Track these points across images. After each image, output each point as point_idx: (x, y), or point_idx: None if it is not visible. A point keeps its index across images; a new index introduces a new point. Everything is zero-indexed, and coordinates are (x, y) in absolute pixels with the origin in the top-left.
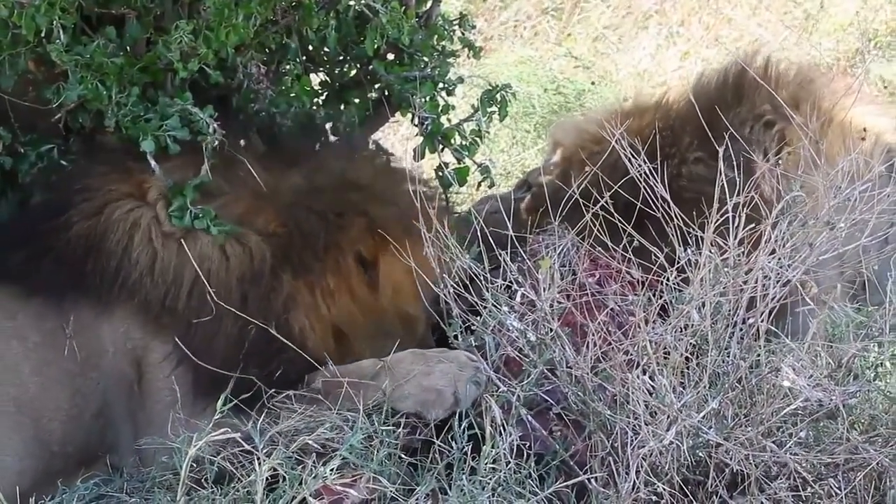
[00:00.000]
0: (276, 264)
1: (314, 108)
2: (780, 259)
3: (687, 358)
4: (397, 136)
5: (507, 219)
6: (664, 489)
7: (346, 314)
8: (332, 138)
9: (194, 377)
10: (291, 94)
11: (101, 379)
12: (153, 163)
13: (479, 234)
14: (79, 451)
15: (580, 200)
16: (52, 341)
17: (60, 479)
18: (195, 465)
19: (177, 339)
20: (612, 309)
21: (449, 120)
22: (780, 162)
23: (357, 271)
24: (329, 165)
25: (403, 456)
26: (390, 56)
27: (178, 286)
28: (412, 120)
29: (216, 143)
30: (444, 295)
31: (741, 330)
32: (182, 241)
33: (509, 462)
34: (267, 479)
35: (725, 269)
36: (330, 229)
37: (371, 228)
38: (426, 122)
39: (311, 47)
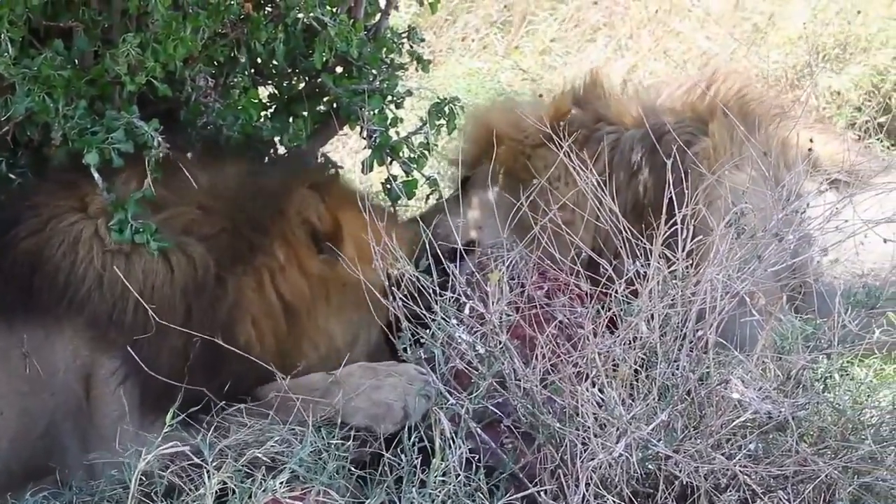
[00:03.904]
0: (222, 269)
1: (261, 120)
2: (728, 271)
3: (636, 370)
4: (346, 149)
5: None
6: (614, 501)
7: (297, 290)
8: (280, 150)
9: (142, 391)
10: (239, 107)
11: (52, 399)
12: (97, 176)
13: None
14: (23, 468)
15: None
16: (3, 360)
17: (6, 494)
18: (144, 479)
19: (124, 354)
20: (560, 321)
21: (397, 133)
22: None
23: (307, 243)
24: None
25: (353, 469)
26: (339, 69)
27: (124, 300)
28: (360, 133)
29: (160, 156)
30: (393, 307)
31: (690, 342)
32: (127, 255)
33: (459, 475)
34: (216, 492)
35: (674, 282)
36: (274, 199)
37: (319, 194)
38: (374, 135)
39: (259, 60)
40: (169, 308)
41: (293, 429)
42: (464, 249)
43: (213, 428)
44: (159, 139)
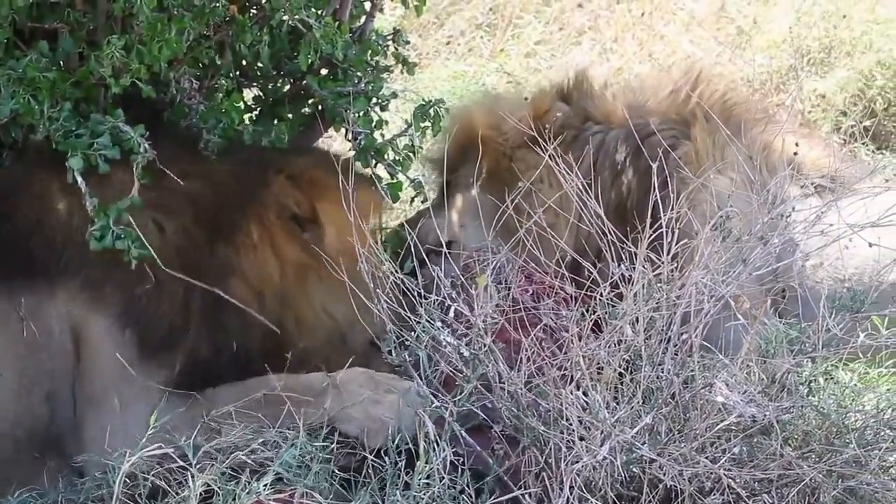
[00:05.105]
0: (210, 237)
1: (244, 124)
2: (713, 274)
3: (620, 373)
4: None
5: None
6: None
7: (264, 273)
8: None
9: (139, 345)
10: (221, 110)
11: (49, 360)
12: (80, 180)
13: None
14: (27, 436)
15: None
16: (2, 324)
17: (16, 464)
18: (129, 481)
19: (120, 310)
20: (545, 324)
21: (382, 135)
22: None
23: (285, 229)
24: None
25: (337, 472)
26: (324, 71)
27: (117, 265)
28: (345, 135)
29: (146, 161)
30: (378, 310)
31: (675, 345)
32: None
33: (443, 477)
34: (200, 494)
35: (659, 285)
36: (252, 188)
37: (294, 182)
38: (359, 138)
39: (244, 62)
40: (166, 261)
41: (283, 432)
42: (448, 252)
43: (199, 429)
44: (146, 145)
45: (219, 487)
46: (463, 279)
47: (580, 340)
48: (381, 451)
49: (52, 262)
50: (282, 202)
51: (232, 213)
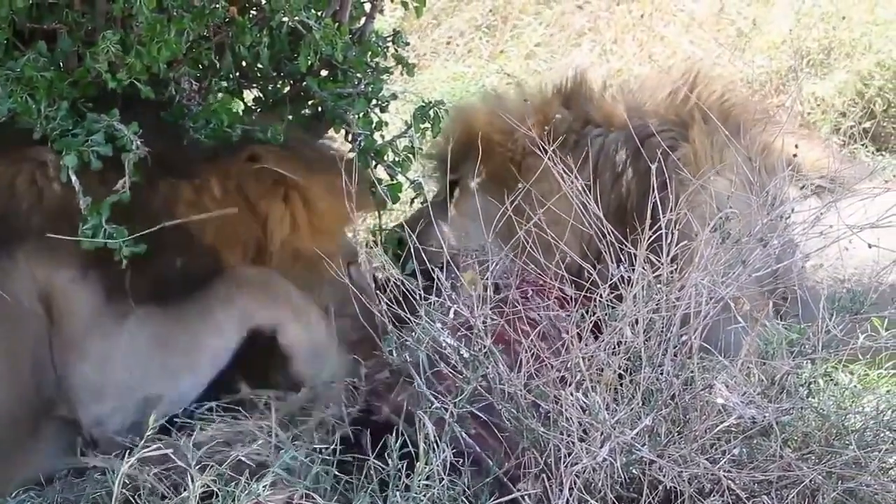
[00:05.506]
0: (153, 175)
1: (235, 125)
2: (712, 276)
3: (620, 375)
4: None
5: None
6: None
7: (226, 227)
8: None
9: (106, 287)
10: (212, 111)
11: (27, 332)
12: (74, 179)
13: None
14: (24, 412)
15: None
16: None
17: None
18: (127, 482)
19: (79, 260)
20: (545, 326)
21: (382, 136)
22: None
23: (244, 205)
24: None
25: (338, 473)
26: (324, 72)
27: (67, 214)
28: (345, 136)
29: (138, 159)
30: (378, 312)
31: (675, 347)
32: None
33: (443, 479)
34: (198, 496)
35: (658, 286)
36: (218, 156)
37: (256, 168)
38: (359, 139)
39: (244, 64)
40: (113, 215)
41: (261, 424)
42: (450, 256)
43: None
44: (138, 142)
45: (218, 489)
46: (463, 280)
47: (580, 341)
48: (380, 449)
49: (4, 233)
50: (241, 183)
51: (190, 161)
